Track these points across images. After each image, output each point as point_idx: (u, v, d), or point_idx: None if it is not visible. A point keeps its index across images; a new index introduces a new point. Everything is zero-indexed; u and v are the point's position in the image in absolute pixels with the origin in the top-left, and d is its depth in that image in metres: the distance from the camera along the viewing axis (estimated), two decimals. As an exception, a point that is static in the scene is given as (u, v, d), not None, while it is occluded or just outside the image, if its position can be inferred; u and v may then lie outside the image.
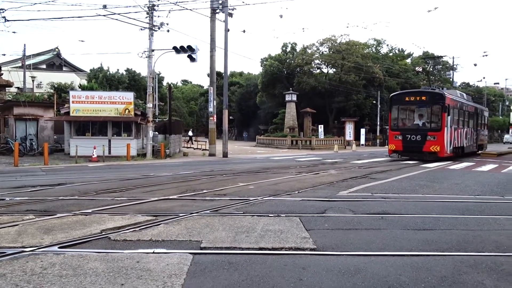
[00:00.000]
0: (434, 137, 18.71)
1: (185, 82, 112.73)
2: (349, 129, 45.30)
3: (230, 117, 68.23)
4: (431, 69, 59.97)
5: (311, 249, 4.88)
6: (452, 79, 58.27)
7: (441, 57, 55.28)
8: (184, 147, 36.75)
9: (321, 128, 43.07)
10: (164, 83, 62.57)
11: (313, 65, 52.52)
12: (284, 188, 9.87)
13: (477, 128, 25.54)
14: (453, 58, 59.30)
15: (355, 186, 10.34)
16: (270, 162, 19.88)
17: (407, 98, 19.95)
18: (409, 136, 19.27)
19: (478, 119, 26.00)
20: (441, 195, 9.29)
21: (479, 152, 26.65)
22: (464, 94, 25.08)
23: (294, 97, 44.15)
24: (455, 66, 57.41)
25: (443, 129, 18.71)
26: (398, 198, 8.65)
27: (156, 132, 26.17)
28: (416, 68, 52.39)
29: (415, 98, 19.71)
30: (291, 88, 46.12)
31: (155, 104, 26.60)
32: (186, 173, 13.91)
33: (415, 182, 11.35)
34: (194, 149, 35.01)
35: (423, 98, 19.46)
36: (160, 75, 59.71)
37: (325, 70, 54.37)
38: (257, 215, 6.63)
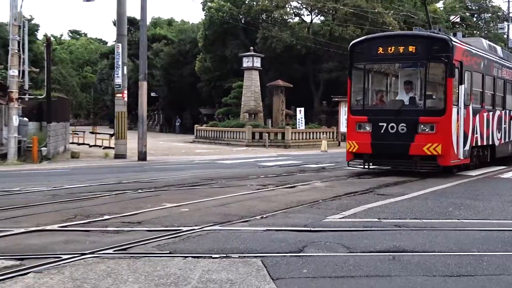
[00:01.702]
0: (431, 126, 16.08)
1: (75, 34, 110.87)
2: (346, 114, 46.06)
3: (153, 94, 67.87)
4: (474, 19, 62.00)
5: (280, 311, 4.91)
6: (507, 34, 60.44)
7: None
8: (74, 143, 36.15)
9: (301, 113, 43.49)
10: (40, 35, 61.32)
11: (288, 9, 53.15)
12: (239, 212, 9.86)
13: None
14: (508, 1, 61.42)
15: (353, 207, 10.51)
16: (217, 169, 19.87)
17: (381, 49, 17.19)
18: (385, 125, 16.43)
19: None
20: (487, 220, 9.56)
21: None
22: (499, 48, 23.76)
23: (258, 62, 44.51)
24: (511, 13, 59.56)
25: (449, 110, 16.19)
26: (419, 225, 8.85)
27: (26, 119, 25.49)
28: (452, 17, 54.00)
29: (395, 49, 16.89)
30: (252, 48, 46.38)
31: (23, 71, 25.88)
32: (75, 187, 13.69)
33: (447, 200, 11.68)
34: (90, 146, 34.48)
35: (411, 48, 16.70)
36: (33, 22, 58.45)
37: (307, 19, 55.12)
38: (192, 256, 6.58)
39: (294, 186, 13.85)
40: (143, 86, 25.01)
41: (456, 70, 16.51)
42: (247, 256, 6.70)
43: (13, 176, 17.23)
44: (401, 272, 6.17)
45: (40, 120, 27.90)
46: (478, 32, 60.80)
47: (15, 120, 22.94)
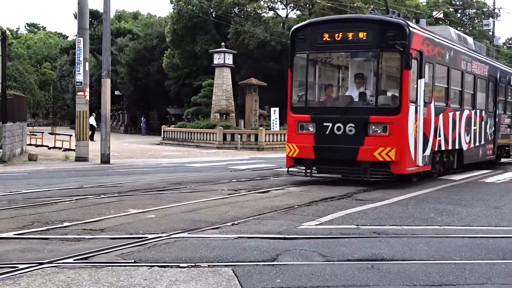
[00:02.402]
0: (383, 127, 14.60)
1: (33, 27, 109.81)
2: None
3: (117, 93, 67.48)
4: (458, 15, 62.79)
5: (252, 323, 4.93)
6: (493, 31, 61.37)
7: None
8: (32, 144, 35.81)
9: (275, 113, 43.52)
10: (-5, 29, 60.68)
11: (262, 3, 53.26)
12: (209, 218, 9.90)
13: (495, 111, 22.94)
14: (493, -1, 62.39)
15: (330, 213, 10.60)
16: (186, 173, 19.85)
17: (326, 36, 15.51)
18: (330, 125, 14.96)
19: (498, 94, 23.23)
20: (470, 226, 9.71)
21: (502, 160, 25.35)
22: (470, 39, 22.40)
23: (230, 59, 44.56)
24: (497, 10, 60.53)
25: (405, 109, 14.66)
26: (400, 232, 8.95)
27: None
28: (434, 13, 54.62)
29: (344, 36, 15.27)
30: (223, 44, 46.36)
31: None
32: (33, 191, 13.60)
33: (429, 206, 11.83)
34: (49, 148, 34.21)
35: (361, 34, 15.11)
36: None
37: (282, 13, 55.29)
38: (158, 266, 6.58)
39: (267, 191, 13.89)
40: (107, 84, 24.85)
41: (414, 61, 14.95)
42: (217, 265, 6.72)
43: (-35, 180, 17.02)
44: (380, 281, 6.22)
45: (-6, 120, 27.50)
46: (462, 29, 61.59)
47: (-33, 120, 22.68)
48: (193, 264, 6.71)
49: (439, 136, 16.81)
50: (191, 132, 43.31)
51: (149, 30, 67.89)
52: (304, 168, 15.76)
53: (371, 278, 6.33)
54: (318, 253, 7.39)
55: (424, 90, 15.56)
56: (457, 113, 18.40)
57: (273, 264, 6.83)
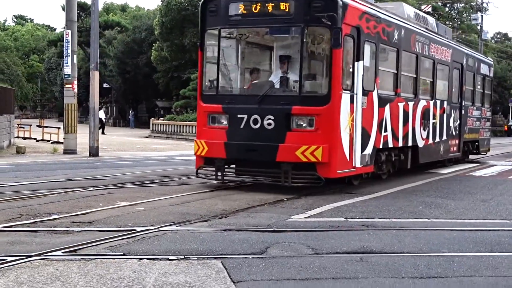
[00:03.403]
0: (309, 120, 12.05)
1: (20, 19, 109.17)
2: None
3: (105, 86, 67.22)
4: (447, 9, 62.96)
5: (241, 316, 4.94)
6: (481, 25, 61.59)
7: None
8: (20, 137, 35.65)
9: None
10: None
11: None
12: (198, 211, 9.91)
13: (461, 102, 20.27)
14: (482, -8, 62.64)
15: (319, 206, 10.63)
16: (175, 166, 19.85)
17: (242, 7, 12.90)
18: (245, 117, 12.43)
19: (465, 82, 20.55)
20: (458, 219, 9.78)
21: (471, 158, 23.29)
22: (431, 20, 19.68)
23: (218, 52, 44.37)
24: (485, 4, 60.74)
25: (336, 97, 12.04)
26: (389, 225, 9.01)
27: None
28: (423, 7, 54.71)
29: (263, 7, 12.69)
30: (212, 37, 46.27)
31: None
32: (21, 184, 13.57)
33: (418, 199, 11.91)
34: (37, 141, 34.08)
35: (283, 5, 12.49)
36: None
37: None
38: (147, 258, 6.58)
39: (256, 183, 13.90)
40: (95, 76, 24.75)
41: (349, 39, 12.48)
42: (207, 257, 6.72)
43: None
44: (369, 274, 6.25)
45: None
46: (450, 23, 61.82)
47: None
48: (183, 257, 6.70)
49: (385, 131, 14.20)
50: (180, 125, 43.33)
51: (138, 22, 67.72)
52: (212, 170, 12.95)
53: (360, 271, 6.36)
54: (307, 246, 7.41)
55: (363, 76, 12.86)
56: (410, 103, 15.73)
57: (262, 257, 6.84)
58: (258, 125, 12.20)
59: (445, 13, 66.97)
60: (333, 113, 11.93)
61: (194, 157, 13.36)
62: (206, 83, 13.58)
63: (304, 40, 12.30)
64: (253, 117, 12.24)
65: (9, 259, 6.43)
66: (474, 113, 21.87)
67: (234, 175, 13.50)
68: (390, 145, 14.58)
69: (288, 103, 12.15)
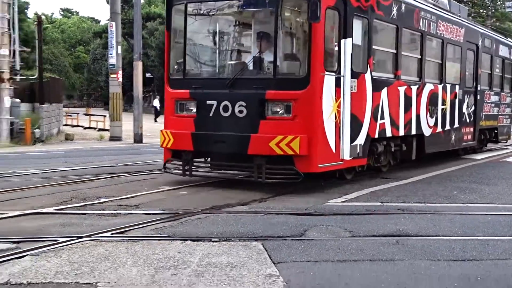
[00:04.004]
0: (286, 107, 10.09)
1: (67, 12, 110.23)
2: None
3: (148, 75, 67.51)
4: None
5: (282, 295, 4.99)
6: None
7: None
8: (68, 125, 36.17)
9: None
10: (30, 14, 61.08)
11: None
12: (238, 195, 9.99)
13: (476, 87, 17.75)
14: (516, -20, 61.25)
15: (355, 190, 10.61)
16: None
17: None
18: (215, 104, 10.48)
19: (481, 65, 17.90)
20: (493, 204, 9.67)
21: (489, 146, 20.72)
22: None
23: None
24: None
25: (317, 80, 10.04)
26: (424, 209, 8.96)
27: (18, 100, 25.52)
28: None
29: None
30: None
31: (13, 51, 25.84)
32: (70, 169, 13.76)
33: (452, 184, 11.79)
34: (85, 128, 34.54)
35: None
36: (23, 0, 58.22)
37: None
38: (191, 240, 6.67)
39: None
40: (138, 66, 24.96)
41: (333, 12, 10.42)
42: (248, 239, 6.80)
43: (6, 159, 17.30)
44: (405, 256, 6.26)
45: (32, 102, 27.91)
46: (484, 11, 60.60)
47: (7, 101, 23.06)
48: (225, 239, 6.78)
49: (382, 118, 12.01)
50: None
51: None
52: (179, 163, 11.07)
53: (396, 253, 6.37)
54: (345, 229, 7.43)
55: (352, 55, 10.76)
56: (414, 87, 13.46)
57: (301, 239, 6.90)
58: (229, 113, 10.25)
59: (479, 1, 65.76)
60: (313, 98, 9.90)
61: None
62: (174, 67, 11.51)
63: (279, 14, 10.24)
64: (223, 103, 10.29)
65: (61, 239, 6.60)
66: (491, 98, 19.27)
67: (209, 169, 11.44)
68: (389, 134, 12.39)
69: (261, 87, 10.06)
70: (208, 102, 10.43)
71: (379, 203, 9.38)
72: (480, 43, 17.67)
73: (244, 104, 10.12)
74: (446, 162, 15.74)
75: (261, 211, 8.54)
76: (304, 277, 5.48)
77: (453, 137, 15.81)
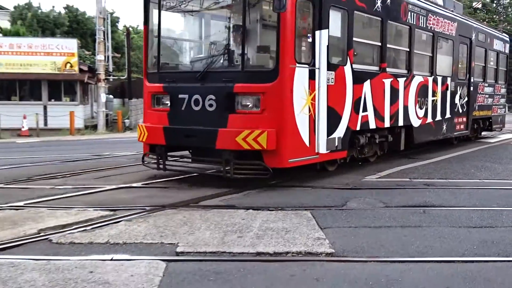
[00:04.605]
0: (255, 100, 8.34)
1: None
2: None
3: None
4: (494, 4, 59.91)
5: (328, 254, 5.00)
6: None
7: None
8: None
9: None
10: (121, 26, 61.94)
11: None
12: (290, 172, 9.94)
13: (469, 79, 15.52)
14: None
15: (387, 168, 10.46)
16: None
17: None
18: (186, 98, 8.84)
19: (474, 58, 15.72)
20: (505, 180, 9.44)
21: (483, 134, 18.51)
22: None
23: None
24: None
25: (286, 72, 8.21)
26: (446, 184, 8.80)
27: (111, 96, 26.23)
28: (474, 4, 52.30)
29: None
30: None
31: (108, 56, 26.46)
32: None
33: (470, 163, 11.51)
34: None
35: None
36: (115, 15, 59.14)
37: None
38: (253, 209, 6.73)
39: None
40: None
41: (306, 3, 8.63)
42: (299, 208, 6.82)
43: (103, 143, 17.75)
44: (430, 223, 6.19)
45: (123, 97, 28.61)
46: (497, 17, 58.74)
47: (103, 97, 23.78)
48: (280, 208, 6.82)
49: (365, 110, 10.12)
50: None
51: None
52: (155, 156, 9.31)
53: (423, 220, 6.30)
54: (379, 200, 7.38)
55: (328, 47, 8.88)
56: (401, 80, 11.39)
57: (343, 209, 6.88)
58: (199, 107, 8.60)
59: (493, 8, 63.83)
60: (283, 91, 8.13)
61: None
62: (151, 61, 9.77)
63: (247, 4, 8.49)
64: (194, 97, 8.65)
65: (148, 208, 6.77)
66: (485, 89, 16.98)
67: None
68: (372, 126, 10.43)
69: (230, 80, 8.36)
70: (180, 96, 8.81)
71: (408, 179, 9.26)
72: (473, 37, 15.59)
73: (213, 97, 8.46)
74: (463, 145, 15.40)
75: (309, 186, 8.53)
76: (347, 240, 5.47)
77: (444, 127, 13.79)
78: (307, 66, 8.48)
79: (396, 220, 6.29)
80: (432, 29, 12.76)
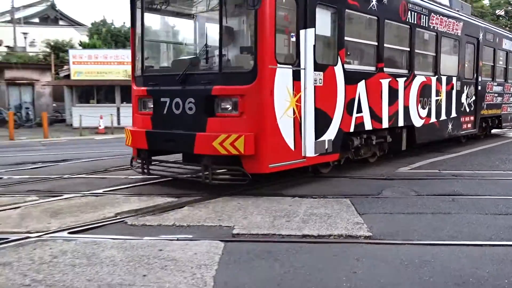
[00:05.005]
0: (233, 103, 7.09)
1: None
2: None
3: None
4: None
5: (366, 237, 4.94)
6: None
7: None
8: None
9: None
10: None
11: None
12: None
13: (476, 78, 13.78)
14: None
15: (418, 161, 10.24)
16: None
17: None
18: (167, 101, 7.67)
19: (481, 58, 14.01)
20: (528, 172, 9.13)
21: (493, 131, 16.68)
22: None
23: None
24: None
25: (265, 72, 6.91)
26: (473, 175, 8.55)
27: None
28: (497, 11, 50.44)
29: None
30: None
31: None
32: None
33: (495, 156, 11.15)
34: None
35: None
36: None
37: None
38: (298, 196, 6.73)
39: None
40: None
41: (287, 0, 7.34)
42: (339, 196, 6.76)
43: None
44: (459, 210, 6.03)
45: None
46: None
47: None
48: (322, 196, 6.78)
49: (359, 111, 8.70)
50: None
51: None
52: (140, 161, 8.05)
53: (452, 208, 6.15)
54: (411, 189, 7.23)
55: (315, 47, 7.49)
56: (401, 80, 9.91)
57: (379, 197, 6.80)
58: (180, 110, 7.39)
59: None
60: (262, 93, 6.81)
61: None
62: (137, 64, 8.43)
63: (224, 2, 7.01)
64: (175, 100, 7.45)
65: (208, 196, 6.84)
66: (494, 88, 15.21)
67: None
68: (369, 127, 9.00)
69: (209, 82, 7.09)
70: (162, 99, 7.61)
71: (437, 171, 9.03)
72: (481, 37, 13.87)
73: (193, 101, 7.24)
74: (488, 140, 14.90)
75: (347, 176, 8.44)
76: (383, 225, 5.40)
77: (450, 126, 12.14)
78: (290, 66, 7.18)
79: (427, 207, 6.15)
80: (436, 28, 11.20)
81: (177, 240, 4.86)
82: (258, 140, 6.78)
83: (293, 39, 7.37)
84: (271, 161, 6.95)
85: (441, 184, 7.68)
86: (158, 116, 7.70)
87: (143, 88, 8.02)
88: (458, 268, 4.11)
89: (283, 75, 7.03)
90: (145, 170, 7.88)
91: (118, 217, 5.72)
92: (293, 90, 7.20)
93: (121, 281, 3.84)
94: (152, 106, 7.84)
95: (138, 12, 8.23)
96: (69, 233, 5.13)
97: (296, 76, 7.25)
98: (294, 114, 7.23)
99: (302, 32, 7.31)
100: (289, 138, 7.17)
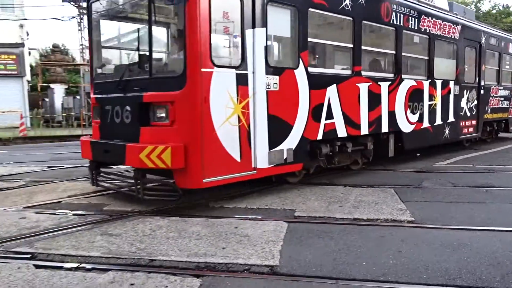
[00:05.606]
0: (165, 110, 5.26)
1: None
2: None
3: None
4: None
5: (409, 222, 4.75)
6: None
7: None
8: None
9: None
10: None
11: None
12: (376, 159, 9.63)
13: (479, 82, 11.35)
14: None
15: (453, 157, 9.74)
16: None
17: None
18: (110, 109, 5.99)
19: (483, 61, 11.52)
20: (556, 167, 8.46)
21: (500, 135, 13.90)
22: None
23: None
24: None
25: (196, 76, 5.07)
26: (504, 170, 8.02)
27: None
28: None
29: None
30: None
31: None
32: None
33: (524, 153, 10.42)
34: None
35: None
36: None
37: None
38: (349, 186, 6.58)
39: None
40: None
41: None
42: (384, 186, 6.56)
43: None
44: (493, 200, 5.69)
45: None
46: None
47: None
48: (369, 185, 6.61)
49: (330, 118, 6.77)
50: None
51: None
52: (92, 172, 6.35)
53: (486, 198, 5.80)
54: (448, 181, 6.89)
55: (266, 48, 5.71)
56: (383, 84, 7.85)
57: (419, 187, 6.53)
58: (119, 119, 5.80)
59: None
60: (193, 99, 5.09)
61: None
62: (95, 70, 6.60)
63: (152, 1, 5.27)
64: (115, 109, 5.87)
65: (274, 184, 6.71)
66: (500, 92, 12.60)
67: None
68: (342, 134, 7.03)
69: (141, 88, 5.45)
70: (106, 107, 6.06)
71: (471, 165, 8.55)
72: (483, 41, 11.39)
73: (129, 109, 5.63)
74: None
75: (391, 169, 8.17)
76: (423, 211, 5.18)
77: (446, 131, 9.88)
78: (233, 70, 5.41)
79: (463, 197, 5.84)
80: (427, 31, 9.00)
81: (249, 219, 4.90)
82: (190, 152, 5.08)
83: (237, 39, 5.52)
84: (207, 174, 5.18)
85: (475, 177, 7.26)
86: (103, 126, 6.16)
87: (94, 96, 6.43)
88: (492, 251, 3.88)
89: (223, 79, 5.27)
90: (94, 181, 6.26)
91: (203, 200, 5.85)
92: (237, 96, 5.43)
93: (205, 251, 3.93)
94: (100, 115, 6.23)
95: (92, 13, 6.50)
96: (163, 213, 5.30)
97: (242, 80, 5.48)
98: (239, 122, 5.47)
99: (249, 32, 5.52)
100: (232, 148, 5.41)
